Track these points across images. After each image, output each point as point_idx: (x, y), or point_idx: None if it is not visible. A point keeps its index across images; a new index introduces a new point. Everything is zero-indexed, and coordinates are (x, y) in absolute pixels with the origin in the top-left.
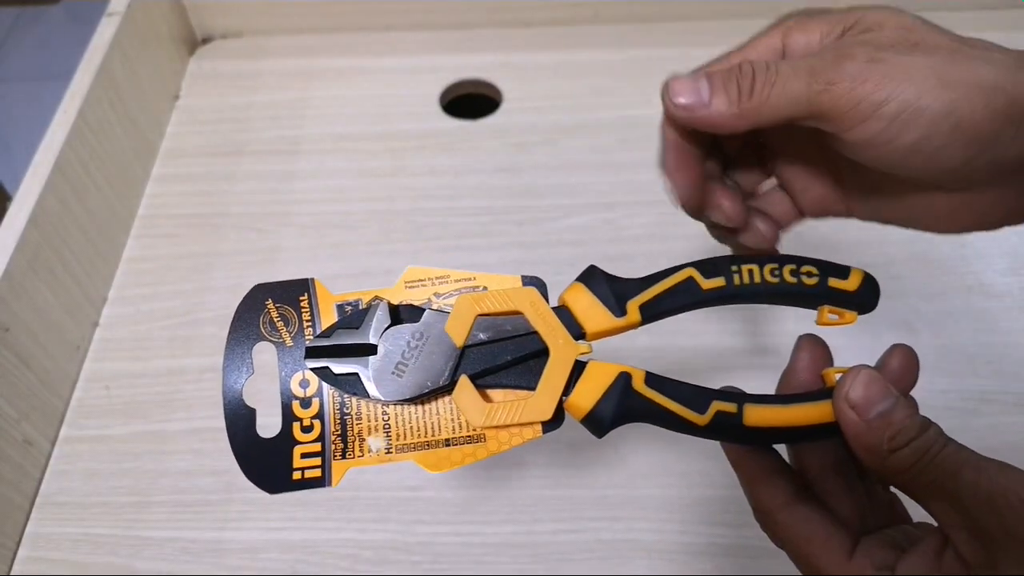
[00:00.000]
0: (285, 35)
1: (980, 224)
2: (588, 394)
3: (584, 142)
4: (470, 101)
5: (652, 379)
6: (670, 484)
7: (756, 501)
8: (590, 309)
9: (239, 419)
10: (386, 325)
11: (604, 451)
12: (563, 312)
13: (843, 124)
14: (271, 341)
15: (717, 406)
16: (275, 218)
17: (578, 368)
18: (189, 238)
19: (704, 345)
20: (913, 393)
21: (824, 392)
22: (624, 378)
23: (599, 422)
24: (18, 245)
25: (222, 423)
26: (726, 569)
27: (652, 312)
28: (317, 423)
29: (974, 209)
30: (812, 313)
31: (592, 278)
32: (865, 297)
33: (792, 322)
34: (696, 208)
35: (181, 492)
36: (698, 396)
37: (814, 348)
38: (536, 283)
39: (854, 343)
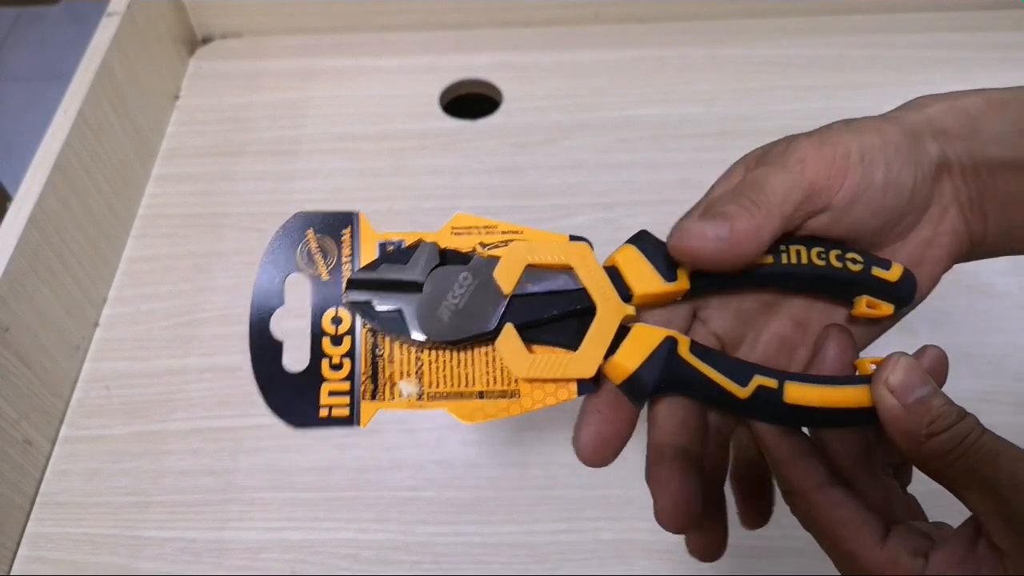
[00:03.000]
0: (285, 35)
1: (948, 258)
2: (632, 356)
3: (584, 142)
4: (470, 101)
5: (696, 348)
6: None
7: (788, 482)
8: (641, 271)
9: (265, 350)
10: (434, 264)
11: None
12: (612, 272)
13: (831, 186)
14: (306, 272)
15: (759, 380)
16: (275, 218)
17: (621, 332)
18: (189, 238)
19: None
20: None
21: (862, 378)
22: (670, 343)
23: (641, 387)
24: (18, 245)
25: (223, 423)
26: (726, 569)
27: (702, 282)
28: (347, 362)
29: (936, 245)
30: None
31: (644, 241)
32: (904, 291)
33: None
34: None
35: (181, 492)
36: (740, 369)
37: (841, 338)
38: (584, 241)
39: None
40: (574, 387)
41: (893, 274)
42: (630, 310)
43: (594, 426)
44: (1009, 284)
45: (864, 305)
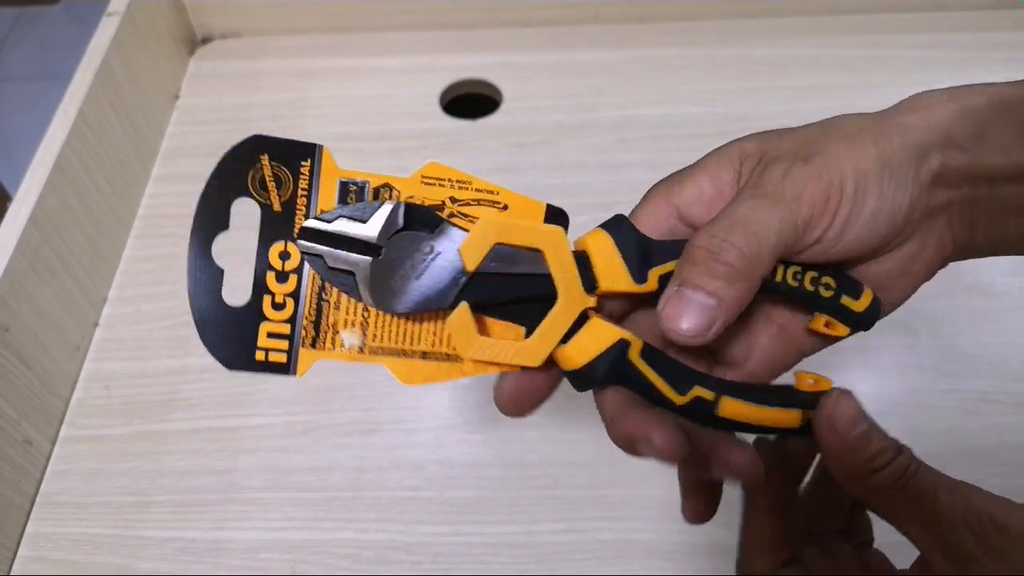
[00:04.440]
0: (285, 35)
1: (927, 273)
2: (584, 350)
3: (584, 142)
4: (470, 101)
5: (648, 352)
6: (670, 484)
7: (750, 567)
8: (610, 265)
9: (203, 278)
10: (397, 228)
11: (604, 451)
12: (581, 258)
13: (823, 222)
14: (257, 200)
15: (697, 391)
16: None
17: (579, 319)
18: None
19: None
20: (914, 394)
21: (794, 399)
22: (622, 345)
23: (586, 381)
24: (18, 245)
25: (223, 423)
26: (726, 569)
27: None
28: (291, 302)
29: (919, 260)
30: None
31: (620, 230)
32: (866, 319)
33: None
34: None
35: (181, 492)
36: (684, 377)
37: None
38: (560, 216)
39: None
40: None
41: (861, 304)
42: (590, 302)
43: (517, 379)
44: (1009, 284)
45: (822, 324)
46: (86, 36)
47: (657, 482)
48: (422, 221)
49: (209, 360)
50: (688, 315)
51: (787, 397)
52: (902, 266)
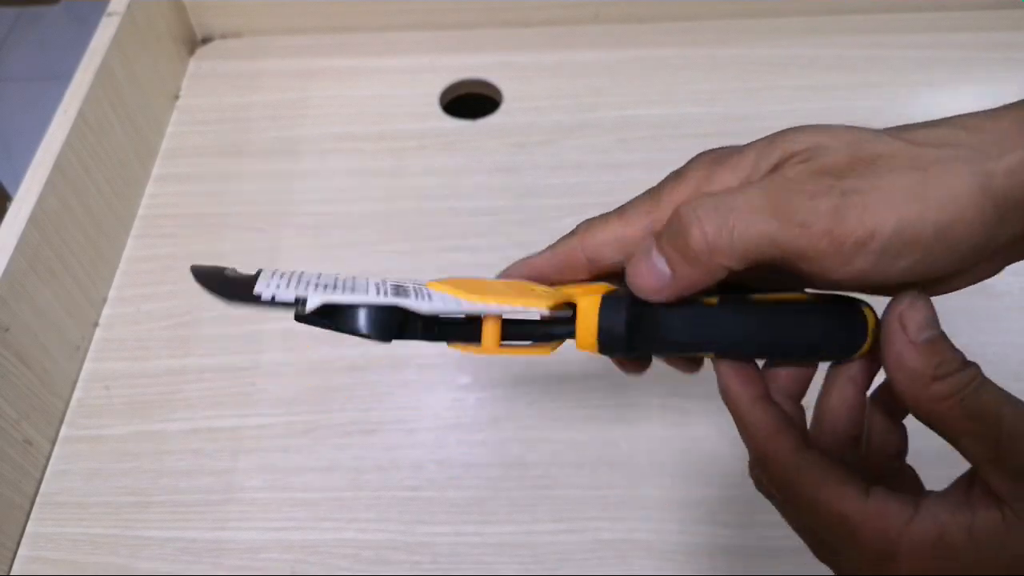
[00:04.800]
0: (285, 35)
1: (970, 282)
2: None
3: (584, 142)
4: (470, 101)
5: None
6: (670, 484)
7: (761, 449)
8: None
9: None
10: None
11: (604, 451)
12: (568, 307)
13: (825, 265)
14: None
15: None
16: (275, 218)
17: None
18: (189, 238)
19: None
20: None
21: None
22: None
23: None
24: (18, 245)
25: (222, 423)
26: (726, 569)
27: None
28: None
29: (959, 282)
30: None
31: (613, 307)
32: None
33: None
34: None
35: (181, 492)
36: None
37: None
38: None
39: None
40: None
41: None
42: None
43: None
44: (1009, 284)
45: None
46: (86, 36)
47: (657, 482)
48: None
49: (209, 360)
50: (644, 273)
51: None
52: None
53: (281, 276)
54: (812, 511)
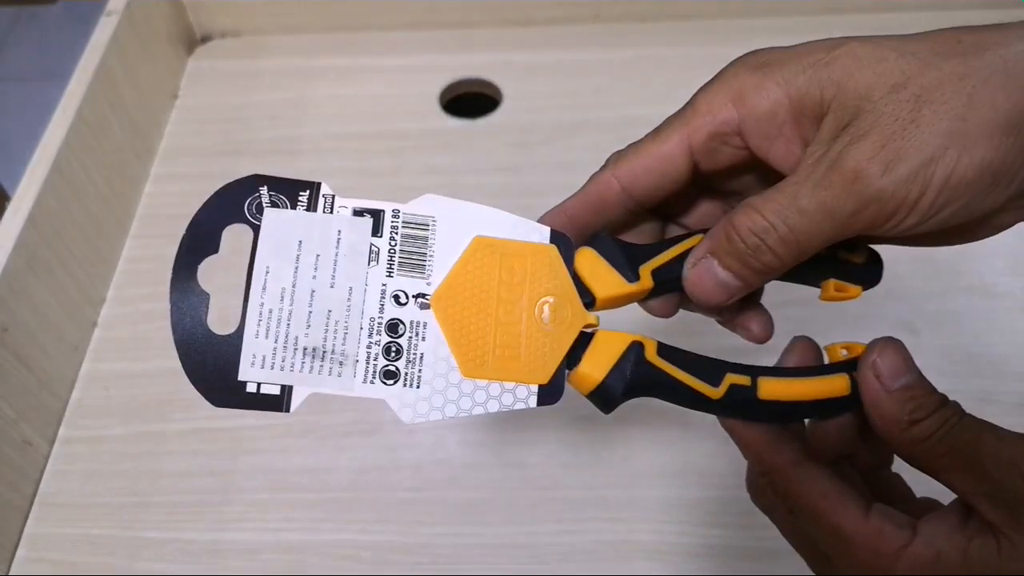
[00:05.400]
0: (284, 34)
1: (996, 230)
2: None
3: (584, 142)
4: (470, 101)
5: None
6: (670, 485)
7: (762, 463)
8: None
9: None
10: None
11: (604, 451)
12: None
13: (878, 230)
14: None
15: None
16: None
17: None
18: None
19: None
20: None
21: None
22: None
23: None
24: (16, 245)
25: (222, 423)
26: (725, 570)
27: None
28: None
29: (991, 224)
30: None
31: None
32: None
33: (799, 302)
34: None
35: (180, 493)
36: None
37: (806, 352)
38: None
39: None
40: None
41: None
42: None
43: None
44: (1011, 284)
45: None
46: (85, 36)
47: (657, 483)
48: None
49: None
50: (710, 284)
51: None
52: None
53: (265, 338)
54: (814, 520)
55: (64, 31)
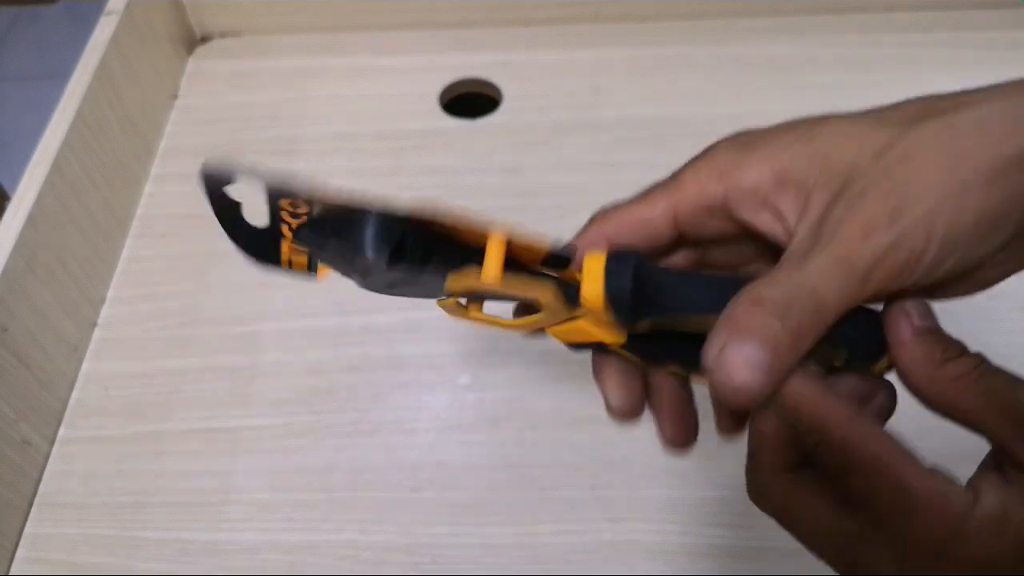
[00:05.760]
0: (284, 34)
1: (983, 285)
2: (593, 277)
3: (584, 142)
4: (470, 101)
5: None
6: (671, 485)
7: (817, 418)
8: (599, 321)
9: (223, 202)
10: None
11: (604, 451)
12: (571, 287)
13: (897, 284)
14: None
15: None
16: None
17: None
18: (189, 238)
19: None
20: None
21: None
22: (626, 249)
23: (622, 296)
24: (16, 245)
25: (222, 423)
26: (726, 570)
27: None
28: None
29: (979, 279)
30: None
31: (619, 266)
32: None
33: None
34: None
35: (180, 493)
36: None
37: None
38: (565, 261)
39: None
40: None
41: (878, 369)
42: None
43: (615, 389)
44: (1010, 284)
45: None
46: (84, 35)
47: (658, 483)
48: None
49: (208, 360)
50: (742, 366)
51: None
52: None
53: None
54: (875, 479)
55: (64, 31)
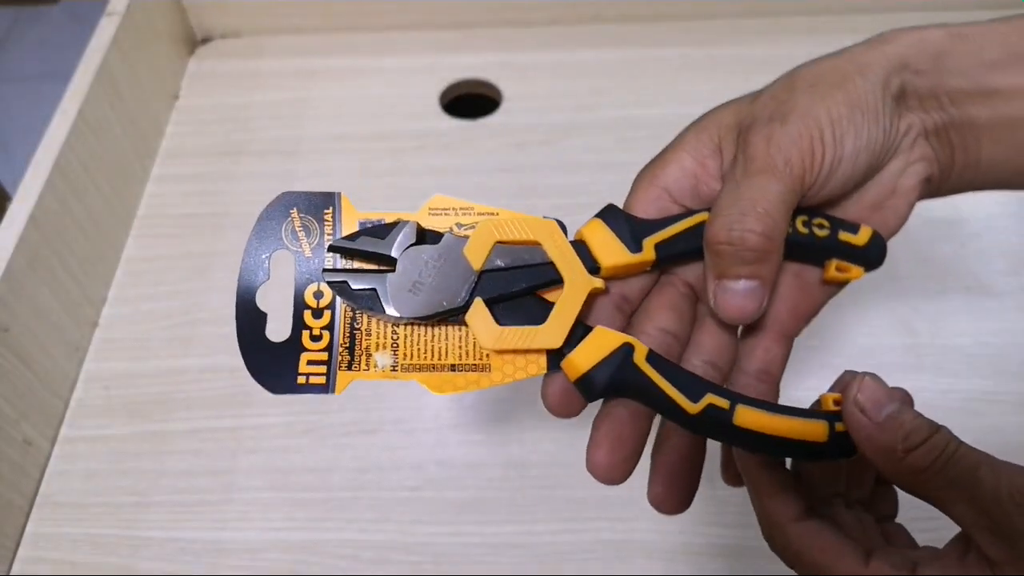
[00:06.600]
0: (285, 35)
1: (919, 189)
2: (588, 356)
3: (584, 142)
4: (470, 101)
5: (654, 357)
6: None
7: (767, 514)
8: (606, 243)
9: (249, 319)
10: (410, 242)
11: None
12: (580, 246)
13: (814, 173)
14: (290, 250)
15: (710, 399)
16: None
17: (583, 331)
18: (189, 238)
19: None
20: (914, 394)
21: (818, 412)
22: (626, 349)
23: (591, 387)
24: (18, 245)
25: (222, 423)
26: (726, 569)
27: (668, 252)
28: (326, 333)
29: (907, 176)
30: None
31: (610, 214)
32: (873, 253)
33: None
34: None
35: (181, 492)
36: (694, 385)
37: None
38: (556, 222)
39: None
40: (543, 361)
41: (861, 238)
42: (598, 283)
43: (561, 379)
44: (1010, 284)
45: (834, 269)
46: (86, 36)
47: None
48: (432, 239)
49: (209, 360)
50: (738, 301)
51: (810, 413)
52: (890, 187)
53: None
54: (814, 573)
55: (65, 31)
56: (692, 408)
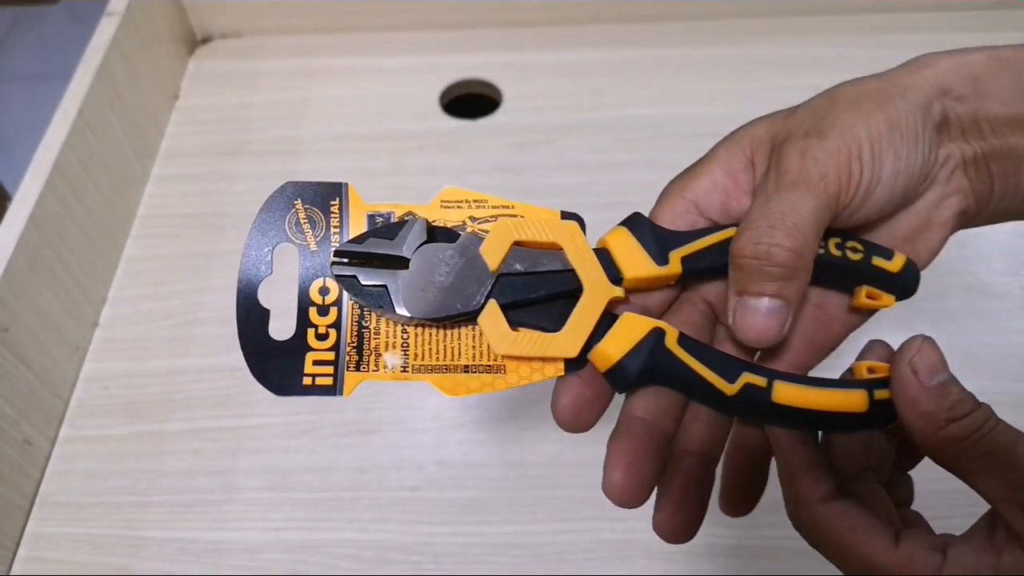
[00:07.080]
0: (285, 35)
1: (954, 222)
2: (618, 344)
3: (584, 142)
4: (470, 101)
5: (685, 340)
6: None
7: (796, 493)
8: (631, 253)
9: (251, 317)
10: (421, 241)
11: (605, 451)
12: (602, 254)
13: (849, 193)
14: (294, 243)
15: (747, 378)
16: None
17: (610, 319)
18: (189, 238)
19: None
20: None
21: (855, 382)
22: (657, 333)
23: (624, 376)
24: (18, 245)
25: (223, 423)
26: (726, 569)
27: (694, 266)
28: (333, 332)
29: (943, 209)
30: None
31: (636, 224)
32: (906, 281)
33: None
34: None
35: (181, 492)
36: (729, 365)
37: (882, 354)
38: (575, 219)
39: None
40: (561, 364)
41: (895, 264)
42: (618, 292)
43: (573, 389)
44: (1010, 284)
45: (864, 295)
46: (86, 36)
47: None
48: (444, 235)
49: (209, 360)
50: (759, 321)
51: (847, 383)
52: (925, 218)
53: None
54: (841, 554)
55: (65, 31)
56: (729, 389)
